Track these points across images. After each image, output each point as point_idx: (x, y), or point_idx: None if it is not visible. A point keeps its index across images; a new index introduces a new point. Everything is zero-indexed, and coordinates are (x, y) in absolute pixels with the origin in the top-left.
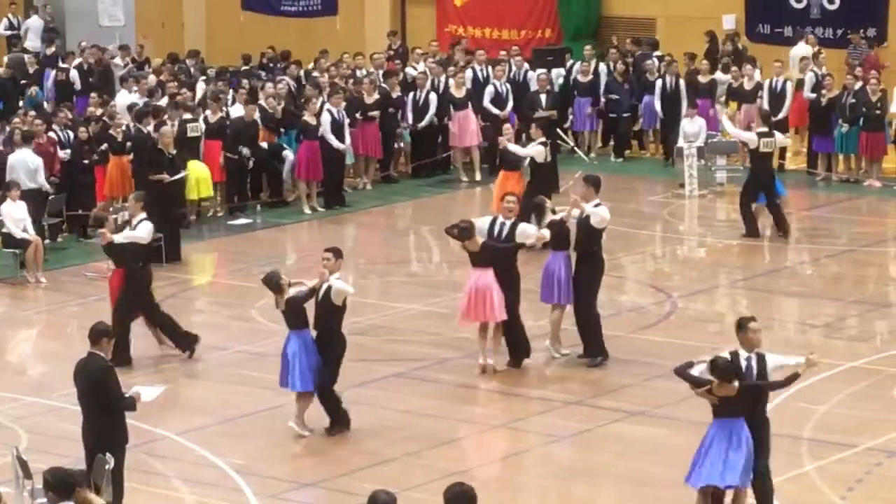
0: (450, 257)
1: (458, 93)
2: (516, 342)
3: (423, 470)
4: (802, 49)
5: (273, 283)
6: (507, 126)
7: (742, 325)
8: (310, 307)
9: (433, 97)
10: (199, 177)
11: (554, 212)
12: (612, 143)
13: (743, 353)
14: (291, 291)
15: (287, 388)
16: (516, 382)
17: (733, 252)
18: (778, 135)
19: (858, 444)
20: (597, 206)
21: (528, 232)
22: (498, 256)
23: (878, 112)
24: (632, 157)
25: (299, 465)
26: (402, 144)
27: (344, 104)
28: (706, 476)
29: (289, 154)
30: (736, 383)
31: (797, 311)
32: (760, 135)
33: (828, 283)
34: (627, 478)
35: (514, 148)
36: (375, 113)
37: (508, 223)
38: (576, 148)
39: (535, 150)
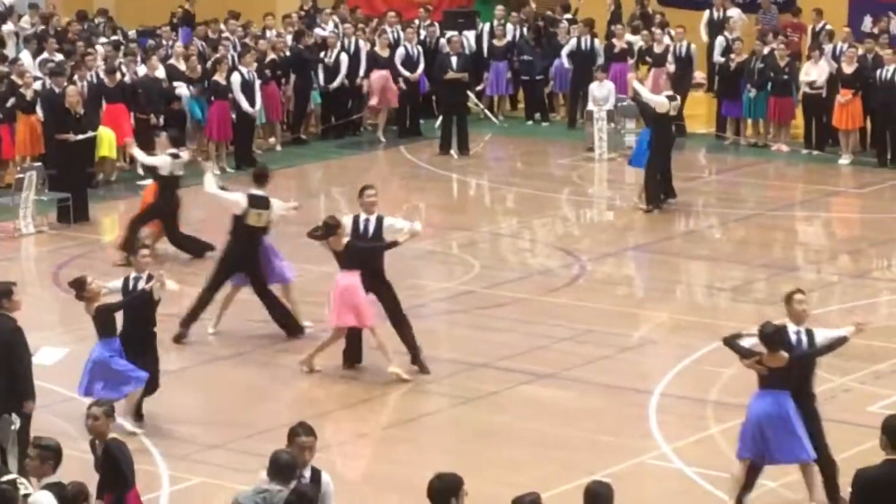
0: None
1: (383, 52)
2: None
3: (330, 429)
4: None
5: (77, 283)
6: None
7: (789, 298)
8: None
9: (344, 57)
10: (104, 138)
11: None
12: (522, 105)
13: (792, 327)
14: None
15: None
16: (426, 345)
17: (642, 216)
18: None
19: None
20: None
21: (398, 226)
22: (365, 258)
23: (785, 77)
24: (542, 121)
25: (204, 428)
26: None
27: (255, 65)
28: (750, 449)
29: (183, 91)
30: (785, 354)
31: (705, 274)
32: (670, 98)
33: (735, 246)
34: (537, 440)
35: (141, 157)
36: (267, 72)
37: (373, 218)
38: (486, 111)
39: (162, 161)
